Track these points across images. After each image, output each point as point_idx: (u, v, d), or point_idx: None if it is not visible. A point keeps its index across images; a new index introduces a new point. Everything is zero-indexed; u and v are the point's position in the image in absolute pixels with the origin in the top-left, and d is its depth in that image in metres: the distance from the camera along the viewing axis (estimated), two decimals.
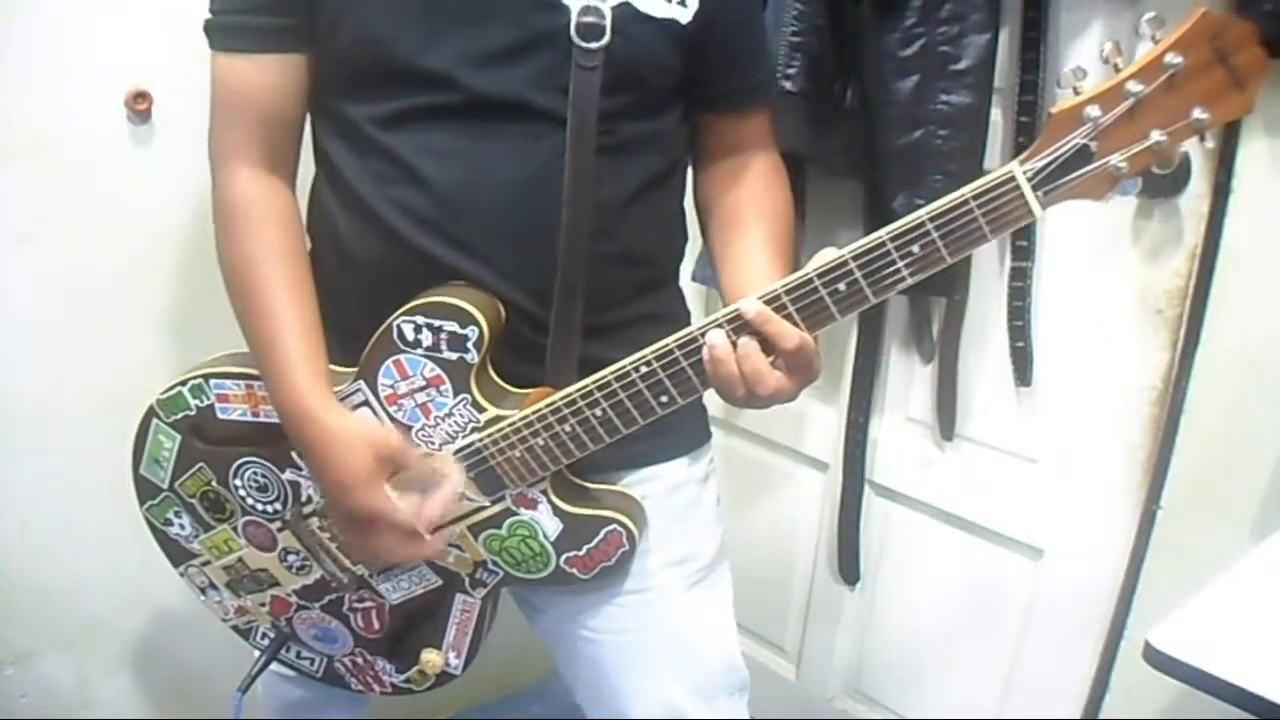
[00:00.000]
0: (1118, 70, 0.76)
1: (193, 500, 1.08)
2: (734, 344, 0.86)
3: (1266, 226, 1.20)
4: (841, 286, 0.84)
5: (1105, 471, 1.41)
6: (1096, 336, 1.39)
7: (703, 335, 0.87)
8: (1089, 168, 0.78)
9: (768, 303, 0.85)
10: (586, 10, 0.90)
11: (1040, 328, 1.45)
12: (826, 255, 0.84)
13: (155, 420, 1.06)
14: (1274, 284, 1.21)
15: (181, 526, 1.11)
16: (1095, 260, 1.37)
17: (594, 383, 0.92)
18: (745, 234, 1.04)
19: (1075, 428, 1.44)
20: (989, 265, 1.47)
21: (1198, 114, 0.76)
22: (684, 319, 1.10)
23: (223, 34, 0.95)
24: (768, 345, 0.86)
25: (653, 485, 1.06)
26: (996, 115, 1.40)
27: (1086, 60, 1.31)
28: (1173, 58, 0.74)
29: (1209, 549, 1.25)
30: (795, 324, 0.85)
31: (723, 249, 1.06)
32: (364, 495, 0.94)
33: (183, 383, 1.04)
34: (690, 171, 1.10)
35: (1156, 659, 0.86)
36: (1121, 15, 1.28)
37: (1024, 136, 1.36)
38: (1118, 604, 1.41)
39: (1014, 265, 1.42)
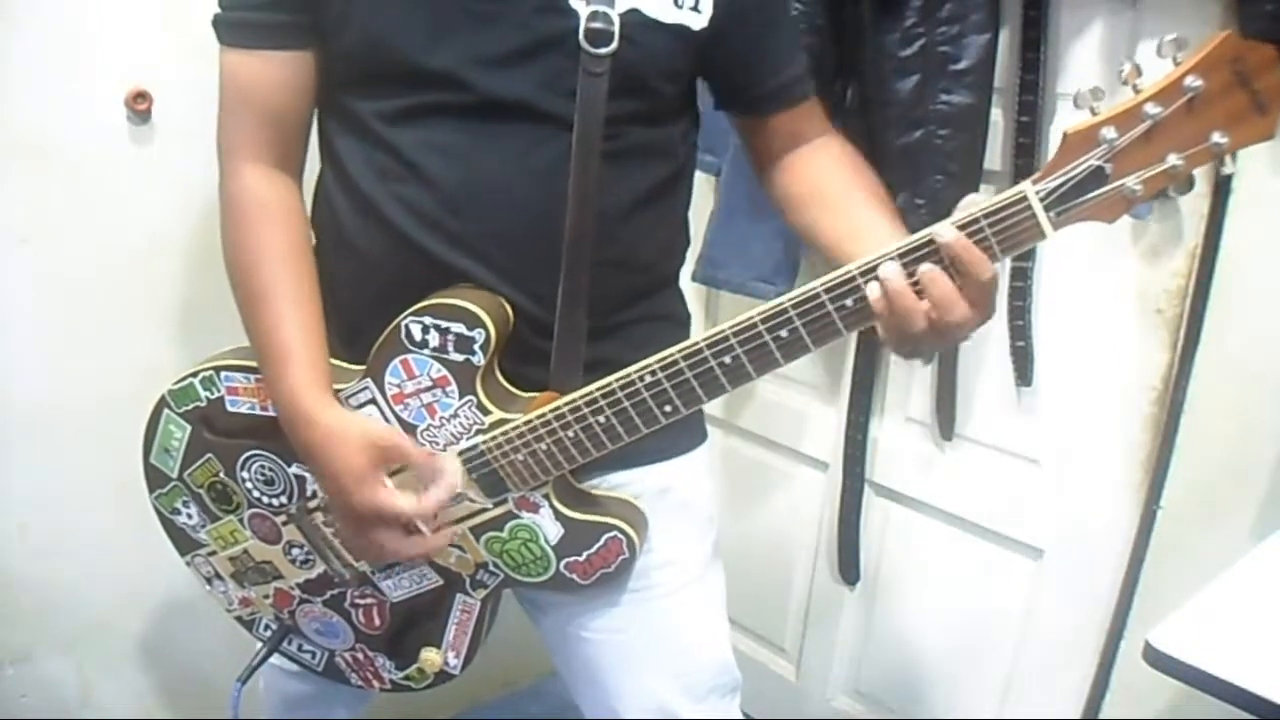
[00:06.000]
0: (1136, 91, 0.74)
1: (200, 490, 1.09)
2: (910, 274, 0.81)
3: (1266, 226, 1.20)
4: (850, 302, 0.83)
5: (1105, 471, 1.41)
6: (1097, 336, 1.39)
7: (866, 274, 0.81)
8: (1103, 190, 0.77)
9: (961, 228, 0.79)
10: (595, 16, 0.89)
11: (1040, 327, 1.45)
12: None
13: (166, 410, 1.07)
14: (1274, 284, 1.21)
15: (189, 516, 1.11)
16: (1095, 260, 1.37)
17: (599, 390, 0.91)
18: (852, 207, 0.99)
19: (1075, 428, 1.44)
20: None
21: (1217, 138, 0.74)
22: (684, 319, 1.10)
23: (230, 30, 0.95)
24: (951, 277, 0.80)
25: (644, 485, 1.06)
26: (996, 115, 1.40)
27: (1086, 61, 1.32)
28: (1193, 80, 0.72)
29: (1209, 549, 1.25)
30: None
31: (833, 225, 0.98)
32: (360, 491, 0.94)
33: (194, 374, 1.05)
34: (760, 174, 1.09)
35: (1156, 659, 0.86)
36: (1121, 15, 1.28)
37: (1024, 136, 1.36)
38: (1118, 604, 1.41)
39: (1014, 265, 1.42)
